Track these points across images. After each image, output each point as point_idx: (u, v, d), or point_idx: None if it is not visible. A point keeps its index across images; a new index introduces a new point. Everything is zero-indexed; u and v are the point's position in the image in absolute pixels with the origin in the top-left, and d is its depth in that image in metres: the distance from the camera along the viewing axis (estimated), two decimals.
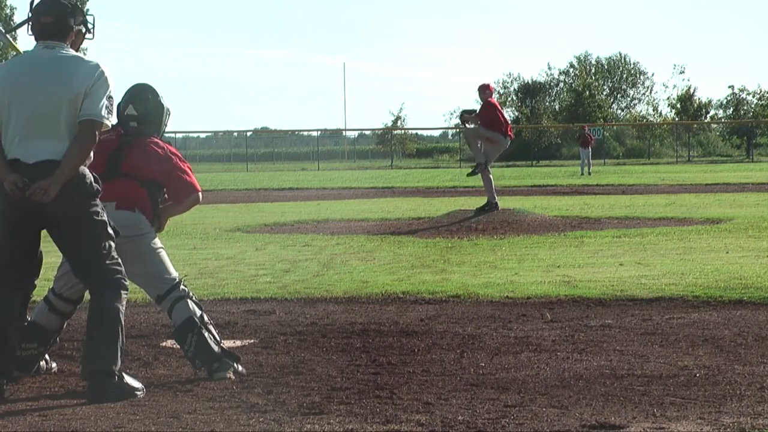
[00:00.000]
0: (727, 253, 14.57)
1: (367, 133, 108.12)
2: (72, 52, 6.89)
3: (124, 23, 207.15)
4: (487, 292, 11.11)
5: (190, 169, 7.76)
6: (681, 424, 5.94)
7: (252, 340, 8.80)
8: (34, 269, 7.17)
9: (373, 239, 17.58)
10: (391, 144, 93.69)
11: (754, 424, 5.89)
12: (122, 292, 6.89)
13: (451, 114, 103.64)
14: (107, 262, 6.85)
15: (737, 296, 10.61)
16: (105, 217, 6.86)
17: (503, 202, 20.12)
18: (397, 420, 6.10)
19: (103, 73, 6.77)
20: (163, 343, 8.65)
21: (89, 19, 7.14)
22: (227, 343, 8.66)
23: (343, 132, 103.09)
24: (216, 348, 7.42)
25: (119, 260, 6.93)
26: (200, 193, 7.76)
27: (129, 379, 6.87)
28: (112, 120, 6.84)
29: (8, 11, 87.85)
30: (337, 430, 5.92)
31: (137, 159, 7.56)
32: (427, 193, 36.40)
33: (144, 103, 7.75)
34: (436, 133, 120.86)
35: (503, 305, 10.44)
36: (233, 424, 6.06)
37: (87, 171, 6.78)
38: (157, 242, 7.59)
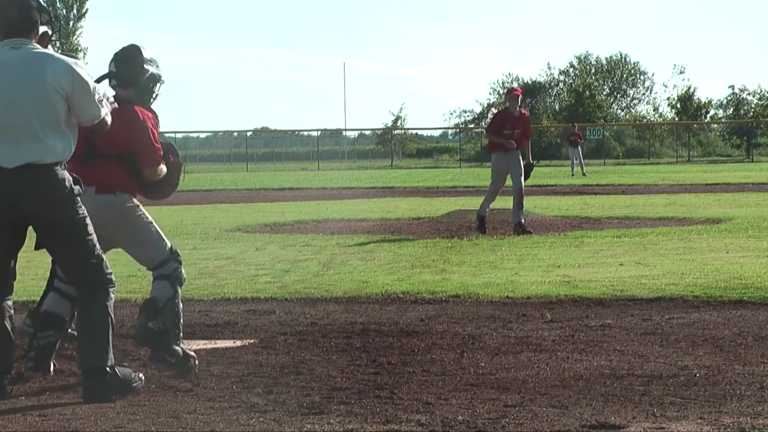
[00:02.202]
0: (727, 253, 14.56)
1: (367, 133, 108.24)
2: (41, 49, 6.81)
3: (124, 23, 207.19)
4: (487, 292, 11.10)
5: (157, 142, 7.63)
6: (681, 424, 5.95)
7: (252, 340, 8.80)
8: (11, 272, 7.13)
9: (373, 239, 17.57)
10: (391, 144, 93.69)
11: (754, 424, 5.90)
12: (110, 288, 6.90)
13: (452, 114, 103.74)
14: (92, 260, 6.85)
15: (737, 296, 10.61)
16: (84, 215, 6.85)
17: (503, 202, 20.02)
18: (397, 420, 6.10)
19: (76, 72, 6.72)
20: None
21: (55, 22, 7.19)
22: (227, 343, 8.68)
23: (343, 132, 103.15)
24: (157, 336, 7.45)
25: (103, 256, 6.94)
26: (160, 166, 7.64)
27: (123, 371, 6.89)
28: (108, 110, 6.90)
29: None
30: (337, 430, 5.92)
31: (109, 132, 7.36)
32: (427, 193, 36.40)
33: (126, 64, 7.68)
34: (436, 133, 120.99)
35: (503, 305, 10.44)
36: (233, 424, 6.06)
37: (66, 174, 6.76)
38: (143, 220, 7.54)
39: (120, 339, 8.80)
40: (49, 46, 7.32)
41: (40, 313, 7.67)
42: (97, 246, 6.90)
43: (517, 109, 19.01)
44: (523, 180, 18.57)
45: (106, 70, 7.70)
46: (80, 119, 6.77)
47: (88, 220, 6.87)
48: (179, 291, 7.61)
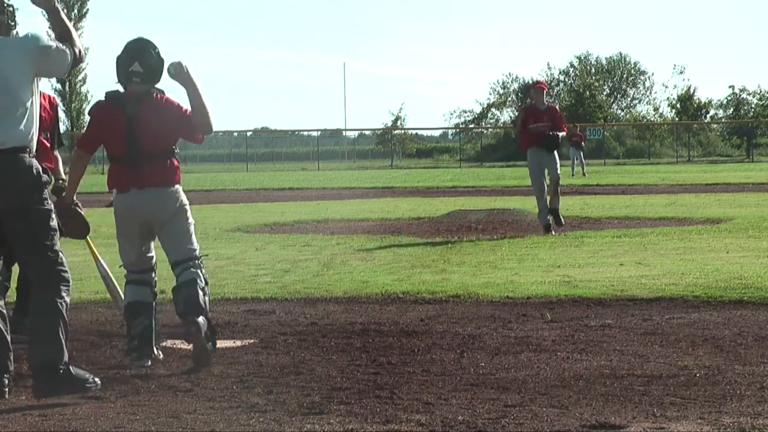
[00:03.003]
0: (727, 253, 14.56)
1: (367, 133, 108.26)
2: None
3: (123, 23, 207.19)
4: (487, 292, 11.10)
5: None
6: (681, 424, 5.94)
7: (252, 340, 8.80)
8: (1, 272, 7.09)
9: (373, 239, 17.57)
10: (391, 144, 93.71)
11: (754, 424, 5.89)
12: (62, 286, 6.84)
13: (452, 114, 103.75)
14: (50, 254, 6.80)
15: (737, 296, 10.61)
16: (50, 208, 6.81)
17: (503, 202, 20.00)
18: (397, 420, 6.10)
19: (32, 49, 6.68)
20: (163, 343, 8.63)
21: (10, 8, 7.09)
22: (227, 343, 8.68)
23: (343, 132, 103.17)
24: (205, 306, 7.94)
25: (61, 253, 6.89)
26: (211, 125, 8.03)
27: (77, 371, 6.84)
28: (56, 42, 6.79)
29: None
30: (337, 430, 5.92)
31: (153, 132, 7.82)
32: (427, 193, 36.40)
33: (149, 59, 7.92)
34: (436, 133, 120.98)
35: (503, 305, 10.44)
36: (233, 424, 6.06)
37: (34, 162, 6.72)
38: (191, 216, 8.04)
39: (120, 339, 8.81)
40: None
41: (128, 304, 8.01)
42: (57, 242, 6.85)
43: (544, 102, 18.62)
44: (541, 180, 18.15)
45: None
46: (55, 74, 6.85)
47: (53, 214, 6.83)
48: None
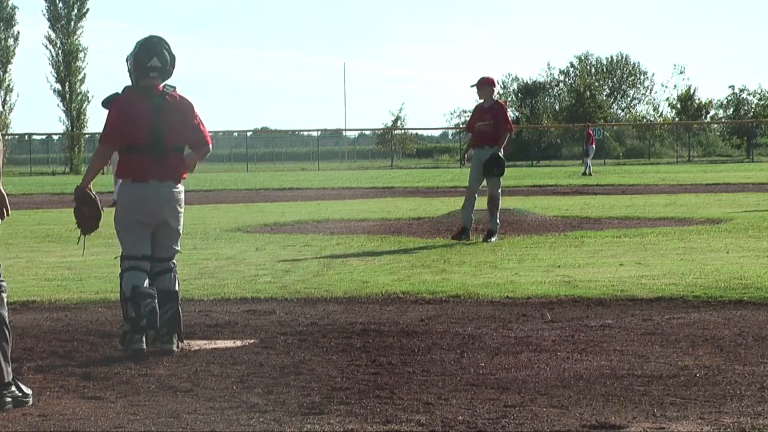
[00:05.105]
0: (727, 253, 14.56)
1: (367, 133, 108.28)
2: None
3: (124, 23, 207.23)
4: (487, 292, 11.10)
5: (202, 122, 8.52)
6: (681, 424, 5.95)
7: (252, 340, 8.80)
8: None
9: (373, 239, 17.57)
10: (391, 144, 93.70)
11: (754, 424, 5.90)
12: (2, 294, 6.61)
13: (452, 114, 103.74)
14: None
15: (737, 296, 10.61)
16: None
17: (503, 202, 19.96)
18: (397, 420, 6.10)
19: None
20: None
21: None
22: (227, 343, 8.68)
23: (343, 132, 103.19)
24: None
25: None
26: (211, 145, 8.64)
27: (19, 385, 6.61)
28: None
29: (10, 11, 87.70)
30: (337, 430, 5.92)
31: (175, 126, 8.23)
32: (427, 193, 36.40)
33: (164, 55, 8.21)
34: (436, 133, 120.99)
35: (503, 305, 10.44)
36: (233, 424, 6.06)
37: None
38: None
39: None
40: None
41: (132, 290, 8.15)
42: None
43: (491, 98, 17.08)
44: (477, 182, 17.18)
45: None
46: None
47: None
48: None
